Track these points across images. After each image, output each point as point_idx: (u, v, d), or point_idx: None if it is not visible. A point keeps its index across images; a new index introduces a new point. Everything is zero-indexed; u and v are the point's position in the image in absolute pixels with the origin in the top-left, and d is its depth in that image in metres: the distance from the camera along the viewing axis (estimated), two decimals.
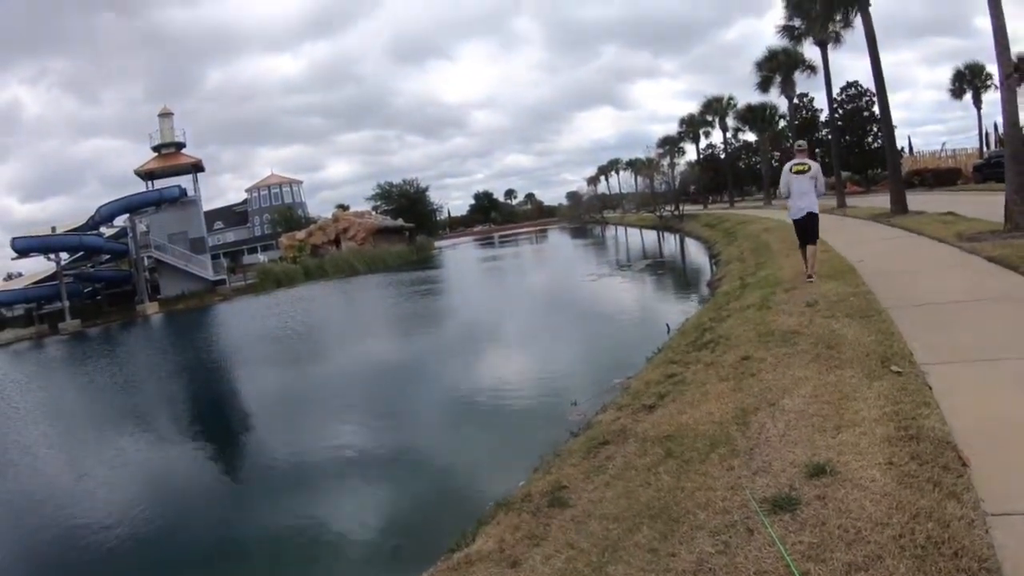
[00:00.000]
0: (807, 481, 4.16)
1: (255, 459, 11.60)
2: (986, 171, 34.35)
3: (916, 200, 23.20)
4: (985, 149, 48.04)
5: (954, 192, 31.79)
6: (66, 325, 40.96)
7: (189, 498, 9.79)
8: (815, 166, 11.04)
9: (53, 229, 44.67)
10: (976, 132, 53.27)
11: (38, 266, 47.71)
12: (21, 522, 9.65)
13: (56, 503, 10.06)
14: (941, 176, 40.64)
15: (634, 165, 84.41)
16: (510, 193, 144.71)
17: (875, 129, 46.37)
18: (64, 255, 44.53)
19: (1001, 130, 25.88)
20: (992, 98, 48.79)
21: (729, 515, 4.03)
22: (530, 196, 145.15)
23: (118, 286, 47.96)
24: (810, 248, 11.10)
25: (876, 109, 34.14)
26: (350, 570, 6.97)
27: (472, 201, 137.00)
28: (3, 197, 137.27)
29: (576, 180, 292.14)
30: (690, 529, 4.00)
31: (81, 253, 47.05)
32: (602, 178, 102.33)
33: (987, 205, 17.46)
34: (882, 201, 25.19)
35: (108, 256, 48.91)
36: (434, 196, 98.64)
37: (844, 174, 39.85)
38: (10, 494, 11.04)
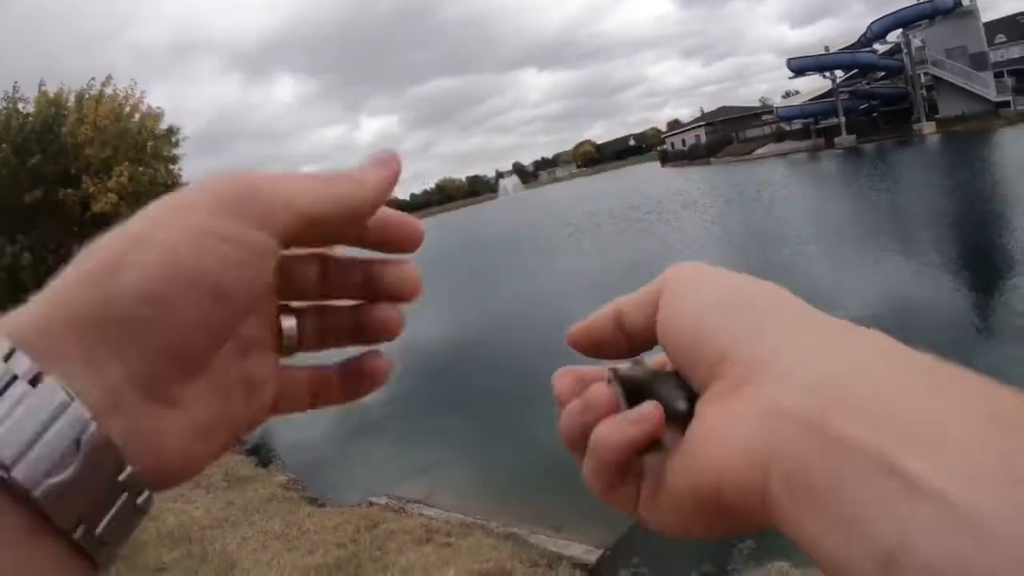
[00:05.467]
0: None
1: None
2: None
3: None
4: None
5: None
6: (841, 140, 43.47)
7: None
8: None
9: (826, 49, 46.20)
10: None
11: (813, 84, 50.62)
12: None
13: None
14: None
15: None
16: None
17: None
18: (838, 72, 45.86)
19: None
20: None
21: None
22: None
23: (893, 104, 47.48)
24: None
25: None
26: None
27: None
28: (776, 25, 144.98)
29: None
30: None
31: (855, 71, 47.57)
32: None
33: None
34: None
35: (882, 73, 48.17)
36: None
37: None
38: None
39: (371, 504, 5.70)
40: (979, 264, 13.48)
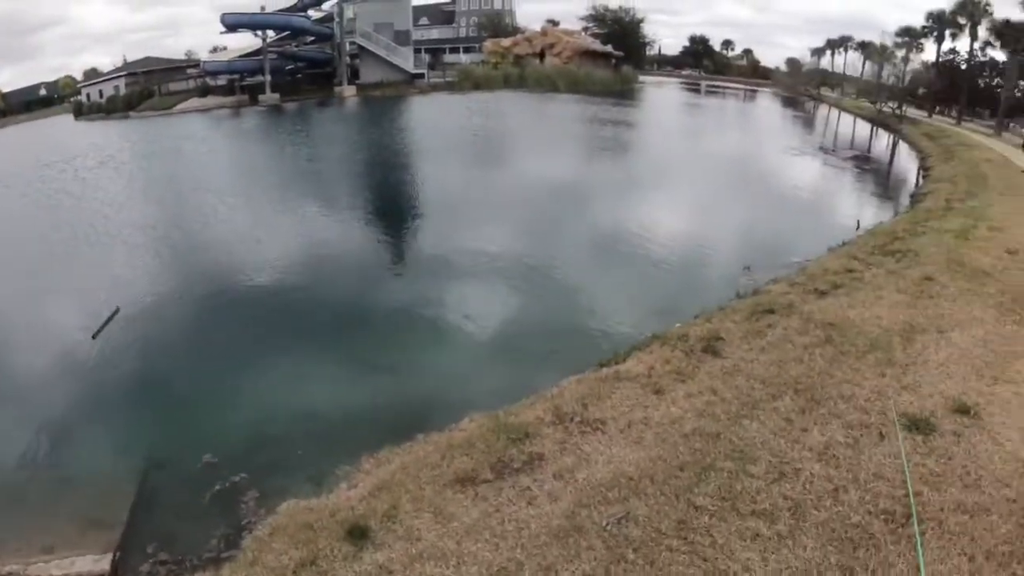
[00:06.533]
0: (949, 415, 4.31)
1: (429, 246, 12.32)
2: None
3: None
4: None
5: None
6: (265, 98, 43.80)
7: (362, 271, 10.73)
8: None
9: (263, 8, 46.64)
10: None
11: (244, 41, 50.15)
12: (191, 279, 10.48)
13: (222, 258, 11.22)
14: None
15: (865, 48, 75.78)
16: (727, 44, 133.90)
17: None
18: (271, 33, 46.41)
19: None
20: None
21: (867, 416, 4.30)
22: (747, 52, 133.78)
23: (319, 67, 49.99)
24: None
25: None
26: (502, 358, 7.50)
27: (686, 43, 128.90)
28: None
29: (797, 47, 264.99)
30: (828, 414, 4.33)
31: (287, 32, 48.94)
32: (827, 52, 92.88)
33: None
34: None
35: (313, 38, 50.70)
36: (647, 31, 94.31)
37: None
38: (184, 246, 12.16)
39: None
40: (386, 206, 15.88)
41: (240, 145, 27.16)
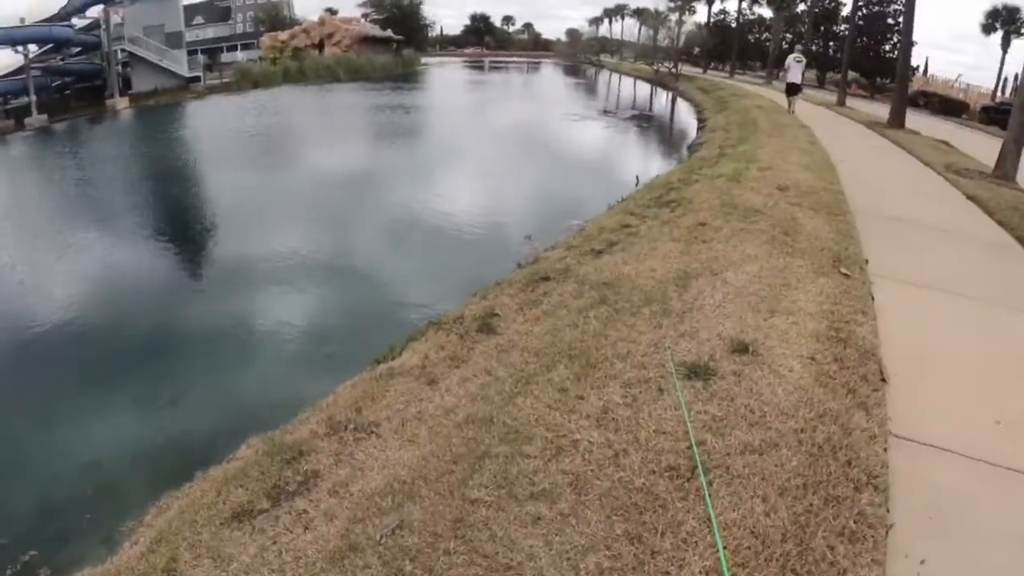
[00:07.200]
0: (728, 356, 4.26)
1: (204, 261, 11.79)
2: (993, 115, 32.32)
3: (916, 120, 22.78)
4: (1000, 94, 45.68)
5: (955, 124, 30.65)
6: (32, 120, 39.05)
7: (136, 297, 9.87)
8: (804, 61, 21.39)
9: (22, 21, 41.75)
10: (995, 73, 49.99)
11: (4, 60, 45.07)
12: None
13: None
14: (947, 104, 37.91)
15: (641, 15, 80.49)
16: (508, 20, 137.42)
17: (894, 39, 44.13)
18: (32, 47, 41.56)
19: (1020, 79, 25.01)
20: (1021, 45, 46.28)
21: (645, 371, 4.15)
22: (528, 26, 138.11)
23: (89, 80, 45.20)
24: (792, 98, 21.61)
25: (901, 19, 31.88)
26: (282, 371, 7.18)
27: (467, 22, 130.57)
28: None
29: (576, 18, 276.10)
30: (604, 377, 4.13)
31: (51, 46, 43.82)
32: (605, 21, 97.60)
33: (983, 147, 17.18)
34: (882, 111, 24.56)
35: (79, 49, 45.56)
36: (427, 12, 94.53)
37: (851, 74, 38.29)
38: None
39: None
40: (162, 220, 14.76)
41: (7, 178, 24.23)
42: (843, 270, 5.92)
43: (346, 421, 4.20)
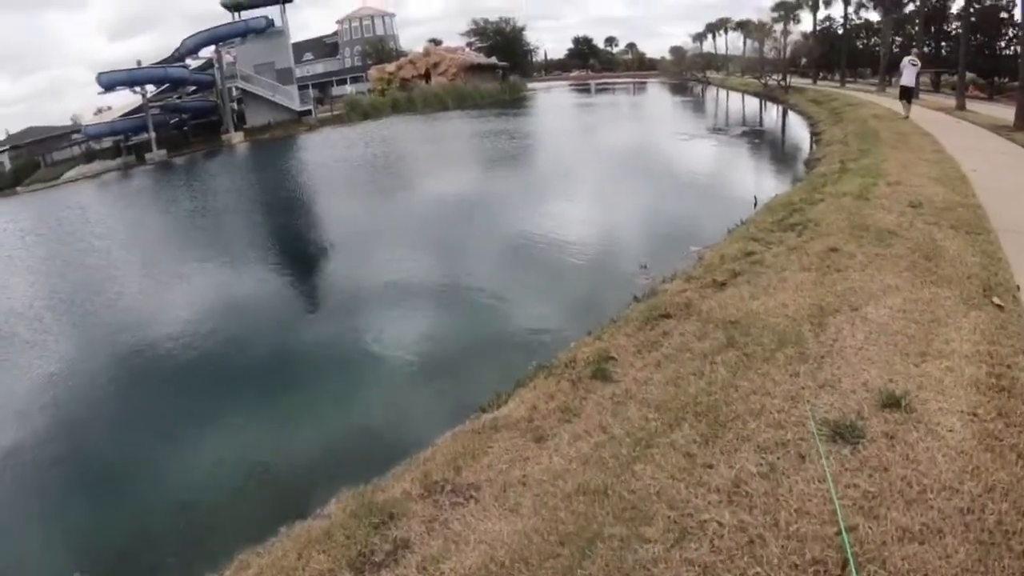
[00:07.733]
0: (877, 411, 3.66)
1: (315, 289, 12.04)
2: None
3: None
4: None
5: None
6: (152, 155, 42.15)
7: (242, 324, 10.09)
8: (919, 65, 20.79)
9: (139, 63, 44.90)
10: None
11: (128, 99, 48.43)
12: (95, 337, 10.26)
13: (127, 320, 10.64)
14: None
15: (744, 27, 78.57)
16: (611, 41, 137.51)
17: (1010, 34, 40.85)
18: (150, 87, 44.95)
19: None
20: None
21: (783, 431, 3.59)
22: (631, 46, 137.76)
23: (204, 117, 48.40)
24: (906, 102, 20.43)
25: (1017, 13, 29.31)
26: (386, 408, 6.94)
27: (570, 46, 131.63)
28: (92, 37, 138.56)
29: (679, 34, 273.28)
30: (736, 439, 3.59)
31: (167, 85, 47.36)
32: (709, 36, 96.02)
33: None
34: (1004, 113, 22.50)
35: (194, 87, 49.28)
36: (530, 38, 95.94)
37: (968, 75, 35.57)
38: (88, 309, 11.77)
39: None
40: (279, 248, 15.20)
41: (126, 209, 25.99)
42: (996, 300, 5.16)
43: (443, 481, 3.76)
